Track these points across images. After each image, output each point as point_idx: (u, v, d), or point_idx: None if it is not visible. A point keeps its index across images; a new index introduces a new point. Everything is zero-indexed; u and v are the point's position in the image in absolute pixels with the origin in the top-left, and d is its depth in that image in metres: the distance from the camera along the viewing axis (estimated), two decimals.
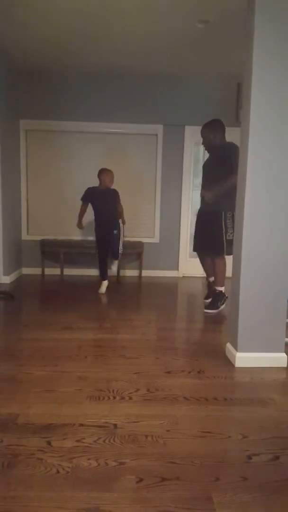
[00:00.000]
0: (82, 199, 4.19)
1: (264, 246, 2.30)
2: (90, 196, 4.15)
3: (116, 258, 4.27)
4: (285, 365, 2.35)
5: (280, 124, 2.22)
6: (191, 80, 4.96)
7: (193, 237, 3.81)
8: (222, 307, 3.55)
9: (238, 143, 2.45)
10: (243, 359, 2.34)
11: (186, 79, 4.95)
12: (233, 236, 3.34)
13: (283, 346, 2.37)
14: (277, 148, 2.24)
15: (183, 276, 5.26)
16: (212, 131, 3.39)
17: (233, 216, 3.36)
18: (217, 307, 3.52)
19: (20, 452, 1.47)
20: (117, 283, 4.80)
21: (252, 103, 2.20)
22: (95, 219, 4.21)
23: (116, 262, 4.31)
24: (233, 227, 3.37)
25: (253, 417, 1.78)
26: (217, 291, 3.53)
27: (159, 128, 5.10)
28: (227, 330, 2.59)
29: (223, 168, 3.30)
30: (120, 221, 4.22)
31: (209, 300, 3.67)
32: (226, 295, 3.57)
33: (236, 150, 3.20)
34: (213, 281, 3.67)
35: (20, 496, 1.26)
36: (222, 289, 3.53)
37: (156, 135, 5.12)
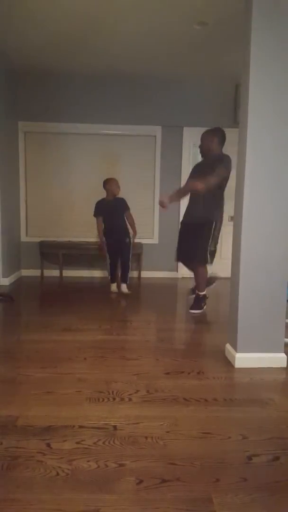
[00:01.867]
0: (94, 215, 4.33)
1: (263, 247, 2.30)
2: (100, 209, 4.28)
3: (125, 281, 4.30)
4: (285, 366, 2.35)
5: (278, 125, 2.22)
6: (190, 81, 4.97)
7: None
8: (205, 307, 3.60)
9: (236, 144, 2.45)
10: (243, 359, 2.34)
11: (185, 80, 4.96)
12: (215, 247, 3.42)
13: (282, 346, 2.37)
14: (275, 149, 2.24)
15: (183, 277, 5.25)
16: (211, 137, 3.37)
17: (219, 227, 3.39)
18: (201, 307, 3.56)
19: (19, 455, 1.47)
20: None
21: (250, 104, 2.21)
22: (106, 229, 4.31)
23: (125, 285, 4.29)
24: (217, 239, 3.41)
25: (253, 417, 1.78)
26: (200, 295, 3.56)
27: (157, 130, 5.10)
28: (227, 330, 2.59)
29: (213, 171, 3.26)
30: (129, 231, 4.31)
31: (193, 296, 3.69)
32: (207, 296, 3.64)
33: (228, 163, 3.24)
34: (195, 286, 3.66)
35: (19, 498, 1.26)
36: (204, 293, 3.57)
37: (155, 136, 5.13)
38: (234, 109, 4.95)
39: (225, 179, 3.31)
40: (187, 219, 3.57)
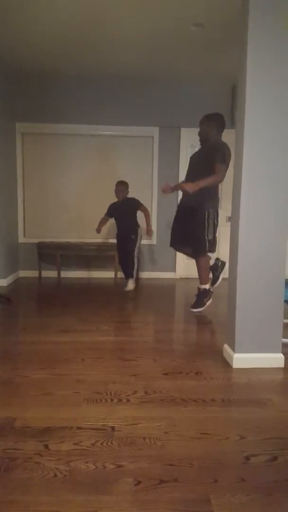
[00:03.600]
0: (106, 214, 4.56)
1: (260, 247, 2.30)
2: (112, 210, 4.51)
3: (130, 276, 4.42)
4: (283, 366, 2.35)
5: (275, 126, 2.23)
6: (187, 82, 4.98)
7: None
8: (209, 302, 3.54)
9: (233, 145, 2.46)
10: (241, 360, 2.34)
11: (182, 81, 4.97)
12: (213, 236, 3.38)
13: (280, 346, 2.37)
14: (272, 150, 2.24)
15: (181, 278, 5.26)
16: (215, 125, 3.36)
17: (215, 216, 3.36)
18: (203, 305, 3.51)
19: (17, 456, 1.47)
20: (114, 285, 4.80)
21: (247, 105, 2.21)
22: (117, 230, 4.58)
23: (130, 280, 4.41)
24: (214, 227, 3.38)
25: (251, 418, 1.78)
26: (202, 289, 3.53)
27: (155, 130, 5.11)
28: (225, 331, 2.59)
29: (210, 164, 3.25)
30: (139, 229, 4.45)
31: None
32: (212, 290, 3.59)
33: (228, 155, 3.24)
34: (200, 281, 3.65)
35: (17, 500, 1.25)
36: (206, 286, 3.53)
37: (152, 137, 5.13)
38: (231, 110, 4.96)
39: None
40: (181, 206, 3.61)
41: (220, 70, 4.57)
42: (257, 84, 2.20)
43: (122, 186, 4.44)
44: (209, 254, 3.52)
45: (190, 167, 3.55)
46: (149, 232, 4.43)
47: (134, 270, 4.45)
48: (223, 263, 3.64)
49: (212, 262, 3.69)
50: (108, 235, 5.20)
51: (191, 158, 3.63)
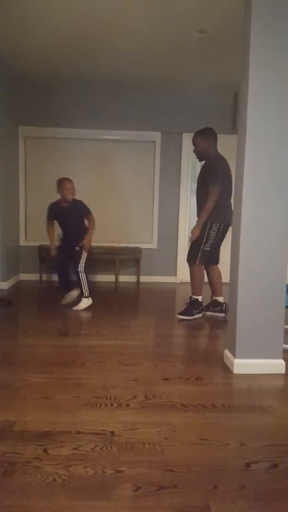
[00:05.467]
0: (49, 218, 3.90)
1: (261, 253, 2.30)
2: (55, 213, 3.80)
3: (77, 286, 3.87)
4: (283, 372, 2.34)
5: (277, 132, 2.24)
6: (189, 88, 5.00)
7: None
8: (198, 316, 3.48)
9: (235, 151, 2.46)
10: (241, 365, 2.33)
11: (184, 87, 4.99)
12: (210, 247, 3.36)
13: (281, 352, 2.37)
14: (274, 155, 2.25)
15: (181, 282, 5.25)
16: (206, 139, 3.39)
17: (219, 228, 3.33)
18: (192, 314, 3.46)
19: (16, 460, 1.46)
20: (114, 289, 4.79)
21: (249, 111, 2.22)
22: (62, 234, 3.92)
23: (84, 299, 3.81)
24: (214, 240, 3.36)
25: (251, 424, 1.77)
26: (193, 298, 3.49)
27: (157, 135, 5.13)
28: (225, 336, 2.58)
29: (206, 186, 3.31)
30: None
31: (218, 308, 3.63)
32: (204, 305, 3.54)
33: (220, 165, 3.28)
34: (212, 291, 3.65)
35: (16, 504, 1.25)
36: (198, 298, 3.48)
37: (154, 142, 5.15)
38: (233, 115, 4.98)
39: (226, 184, 3.32)
40: None
41: (222, 76, 4.59)
42: (259, 89, 2.21)
43: (71, 184, 3.70)
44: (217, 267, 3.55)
45: (197, 190, 3.55)
46: (86, 245, 3.76)
47: (85, 288, 3.77)
48: (203, 308, 3.55)
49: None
50: (108, 238, 5.21)
51: (197, 179, 3.58)
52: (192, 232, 3.38)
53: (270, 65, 2.19)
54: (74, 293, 3.91)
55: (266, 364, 2.34)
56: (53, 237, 3.92)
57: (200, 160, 3.53)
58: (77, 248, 3.78)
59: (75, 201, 3.78)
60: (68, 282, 3.96)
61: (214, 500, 1.29)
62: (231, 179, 3.34)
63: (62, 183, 3.71)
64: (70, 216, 3.80)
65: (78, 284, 3.81)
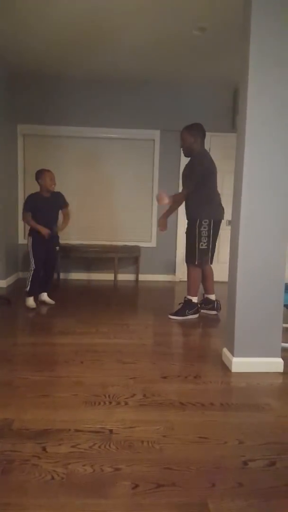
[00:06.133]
0: (24, 210, 3.68)
1: (260, 252, 2.31)
2: (33, 205, 3.63)
3: (47, 289, 3.87)
4: (282, 370, 2.35)
5: (276, 130, 2.24)
6: (188, 86, 4.99)
7: None
8: (192, 317, 3.44)
9: (234, 149, 2.46)
10: (240, 364, 2.34)
11: (183, 85, 4.98)
12: (206, 245, 3.32)
13: (279, 351, 2.37)
14: (273, 154, 2.25)
15: (180, 281, 5.26)
16: (194, 135, 3.35)
17: (209, 225, 3.30)
18: (184, 315, 3.42)
19: (15, 458, 1.46)
20: (113, 288, 4.80)
21: (248, 110, 2.22)
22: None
23: (46, 294, 3.84)
24: (208, 236, 3.32)
25: (250, 422, 1.77)
26: (187, 298, 3.46)
27: (156, 134, 5.12)
28: (224, 335, 2.59)
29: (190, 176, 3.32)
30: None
31: (209, 306, 3.65)
32: (199, 306, 3.51)
33: (200, 164, 3.27)
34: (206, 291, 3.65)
35: (14, 502, 1.25)
36: (193, 298, 3.44)
37: (153, 140, 5.15)
38: (232, 114, 4.98)
39: (207, 175, 3.29)
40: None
41: (222, 74, 4.59)
42: (259, 87, 2.20)
43: (52, 174, 3.63)
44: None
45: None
46: (61, 227, 3.72)
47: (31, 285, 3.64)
48: (198, 309, 3.52)
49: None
50: (107, 236, 5.21)
51: (182, 175, 3.60)
52: (161, 199, 3.31)
53: (270, 64, 2.19)
54: (45, 296, 3.86)
55: (264, 363, 2.34)
56: (36, 223, 3.61)
57: (186, 156, 3.46)
58: (57, 248, 3.83)
59: (56, 192, 3.73)
60: (38, 288, 3.77)
61: (212, 497, 1.29)
62: (215, 176, 3.34)
63: (44, 173, 3.63)
64: (52, 207, 3.72)
65: (49, 281, 3.84)
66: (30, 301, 3.67)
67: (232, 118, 4.96)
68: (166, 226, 3.64)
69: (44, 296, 3.86)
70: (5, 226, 4.63)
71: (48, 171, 3.67)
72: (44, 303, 3.83)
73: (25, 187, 5.15)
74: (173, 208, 3.59)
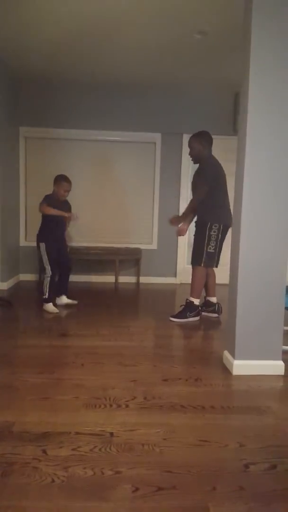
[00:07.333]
0: (47, 205, 3.74)
1: (261, 254, 2.31)
2: (53, 205, 3.71)
3: (67, 292, 3.90)
4: (283, 373, 2.34)
5: (277, 134, 2.24)
6: (189, 89, 5.00)
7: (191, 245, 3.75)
8: (193, 319, 3.43)
9: (235, 153, 2.47)
10: (241, 366, 2.33)
11: (185, 88, 5.00)
12: (214, 249, 3.35)
13: (280, 353, 2.37)
14: (274, 157, 2.25)
15: (181, 283, 5.25)
16: (201, 143, 3.40)
17: (219, 229, 3.32)
18: (185, 317, 3.41)
19: (15, 461, 1.46)
20: (114, 290, 4.79)
21: (249, 113, 2.22)
22: (54, 237, 3.79)
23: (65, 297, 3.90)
24: (216, 241, 3.35)
25: (251, 425, 1.77)
26: (188, 300, 3.46)
27: (157, 137, 5.13)
28: (225, 337, 2.58)
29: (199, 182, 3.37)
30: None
31: (211, 308, 3.64)
32: (200, 308, 3.51)
33: (211, 166, 3.34)
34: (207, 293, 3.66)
35: (14, 505, 1.25)
36: (195, 301, 3.44)
37: (154, 143, 5.15)
38: (233, 117, 4.99)
39: (217, 180, 3.33)
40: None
41: (223, 78, 4.60)
42: (260, 91, 2.21)
43: (70, 186, 3.73)
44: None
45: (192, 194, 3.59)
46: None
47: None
48: (199, 311, 3.53)
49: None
50: (108, 239, 5.21)
51: (191, 183, 3.65)
52: (175, 224, 3.54)
53: (271, 67, 2.19)
54: (65, 298, 3.89)
55: (265, 365, 2.34)
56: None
57: (195, 163, 3.53)
58: (68, 249, 3.93)
59: (65, 200, 3.83)
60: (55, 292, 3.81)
61: (213, 501, 1.29)
62: (225, 180, 3.38)
63: (62, 183, 3.70)
64: (64, 211, 3.78)
65: (67, 283, 3.86)
66: (51, 307, 3.64)
67: (233, 121, 4.97)
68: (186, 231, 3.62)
69: (65, 299, 3.87)
70: (6, 228, 4.64)
71: (67, 182, 3.71)
72: (67, 305, 3.83)
73: (27, 189, 5.17)
74: (191, 217, 3.56)
